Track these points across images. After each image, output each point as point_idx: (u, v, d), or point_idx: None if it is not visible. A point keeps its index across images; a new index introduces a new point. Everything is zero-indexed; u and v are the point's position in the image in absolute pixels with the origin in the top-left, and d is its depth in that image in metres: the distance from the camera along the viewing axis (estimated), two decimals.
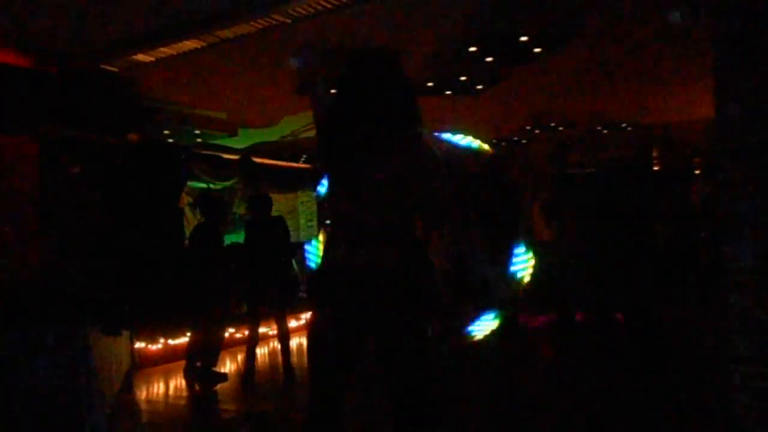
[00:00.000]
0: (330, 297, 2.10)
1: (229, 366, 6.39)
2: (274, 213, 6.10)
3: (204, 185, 8.73)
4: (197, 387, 5.53)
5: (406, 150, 2.10)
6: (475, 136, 4.70)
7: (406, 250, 2.07)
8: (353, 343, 2.10)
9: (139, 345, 6.25)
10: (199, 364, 5.58)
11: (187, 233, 7.86)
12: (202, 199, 6.50)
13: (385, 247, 2.04)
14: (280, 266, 5.98)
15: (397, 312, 2.02)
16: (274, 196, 6.67)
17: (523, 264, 5.00)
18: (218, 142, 9.39)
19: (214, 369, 5.68)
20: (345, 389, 2.13)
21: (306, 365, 6.37)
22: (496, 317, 3.95)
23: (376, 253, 2.03)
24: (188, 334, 5.88)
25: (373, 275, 2.02)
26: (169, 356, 6.43)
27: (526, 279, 5.10)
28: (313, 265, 5.43)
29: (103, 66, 5.99)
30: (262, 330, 7.56)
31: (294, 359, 5.97)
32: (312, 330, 2.23)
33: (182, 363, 5.79)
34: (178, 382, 5.73)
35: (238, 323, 7.56)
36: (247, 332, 5.99)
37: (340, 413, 2.12)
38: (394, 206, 2.07)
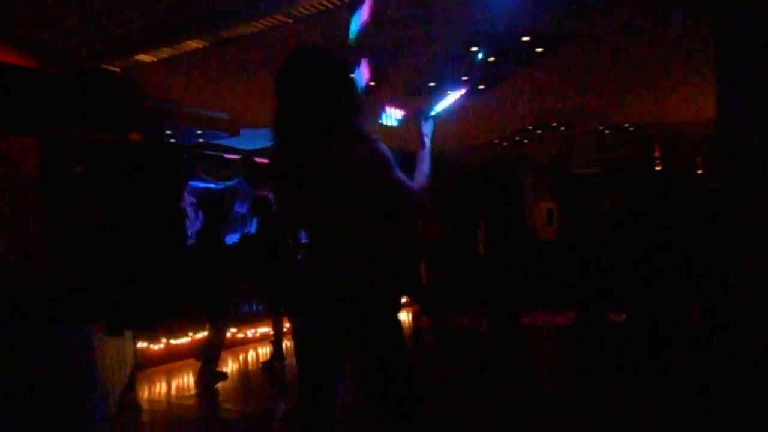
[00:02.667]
0: (304, 303, 2.12)
1: (230, 366, 6.40)
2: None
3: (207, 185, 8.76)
4: (198, 387, 5.57)
5: (352, 146, 2.02)
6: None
7: (369, 250, 2.07)
8: (334, 345, 2.10)
9: (141, 345, 6.27)
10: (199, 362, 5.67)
11: (188, 233, 7.90)
12: (203, 200, 6.61)
13: (348, 250, 2.05)
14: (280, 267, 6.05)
15: (366, 311, 2.04)
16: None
17: None
18: (220, 142, 9.39)
19: (215, 368, 5.72)
20: (334, 391, 2.13)
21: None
22: None
23: (340, 256, 2.05)
24: (189, 334, 5.96)
25: (339, 278, 2.04)
26: (171, 356, 6.44)
27: None
28: None
29: (105, 66, 6.01)
30: (263, 330, 7.61)
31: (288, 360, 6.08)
32: (294, 336, 2.24)
33: (184, 362, 5.83)
34: (180, 382, 5.75)
35: (243, 322, 7.57)
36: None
37: (332, 413, 2.13)
38: (351, 207, 2.04)
